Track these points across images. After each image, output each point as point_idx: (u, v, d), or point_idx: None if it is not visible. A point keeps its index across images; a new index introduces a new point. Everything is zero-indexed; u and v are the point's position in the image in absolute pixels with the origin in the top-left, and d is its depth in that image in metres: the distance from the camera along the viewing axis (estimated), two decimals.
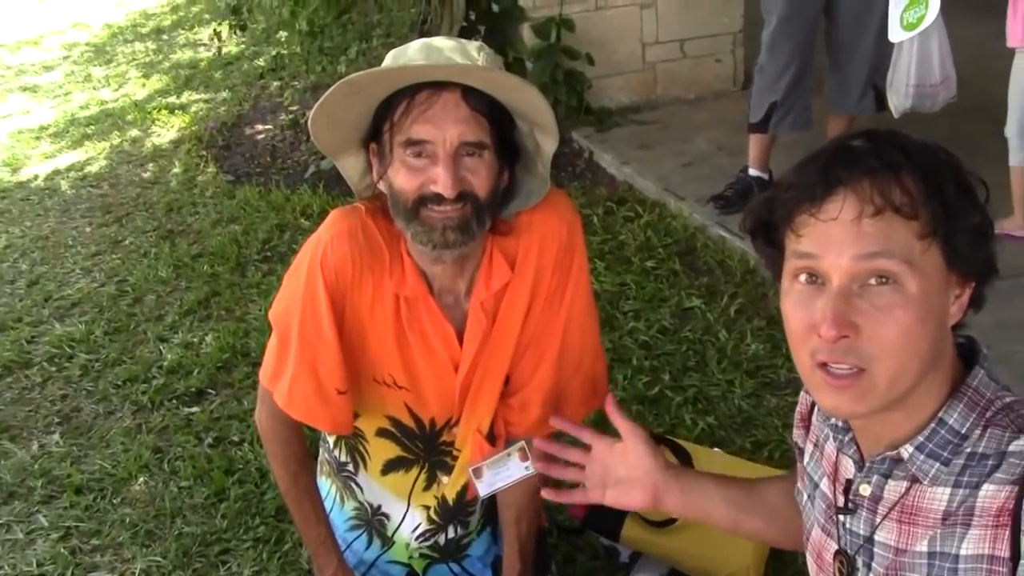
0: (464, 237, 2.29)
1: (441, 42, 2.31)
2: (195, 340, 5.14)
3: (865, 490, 1.72)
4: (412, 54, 2.29)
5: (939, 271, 1.55)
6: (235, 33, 8.79)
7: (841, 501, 1.79)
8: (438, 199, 2.22)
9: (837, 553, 1.81)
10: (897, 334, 1.51)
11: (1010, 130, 5.14)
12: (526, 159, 2.43)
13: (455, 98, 2.20)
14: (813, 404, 1.98)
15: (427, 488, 2.82)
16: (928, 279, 1.53)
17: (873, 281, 1.52)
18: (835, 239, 1.53)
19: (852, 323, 1.51)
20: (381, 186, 2.36)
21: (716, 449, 3.83)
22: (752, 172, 5.89)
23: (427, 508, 2.86)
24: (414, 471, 2.79)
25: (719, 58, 7.87)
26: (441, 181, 2.20)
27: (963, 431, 1.59)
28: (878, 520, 1.70)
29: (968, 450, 1.59)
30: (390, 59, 2.34)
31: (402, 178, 2.25)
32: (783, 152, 5.71)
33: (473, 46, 2.30)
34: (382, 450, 2.76)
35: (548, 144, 2.38)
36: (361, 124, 2.35)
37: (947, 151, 1.59)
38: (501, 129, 2.29)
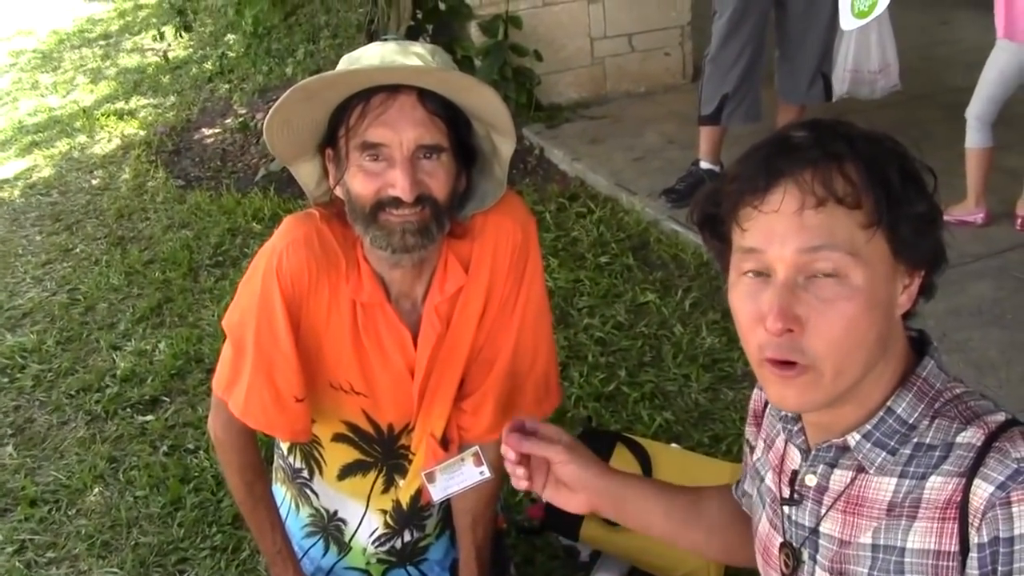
0: (424, 240, 2.28)
1: (394, 46, 2.29)
2: (148, 347, 5.10)
3: (811, 480, 1.72)
4: (365, 59, 2.27)
5: (885, 261, 1.55)
6: (180, 35, 8.72)
7: (786, 493, 1.79)
8: (396, 203, 2.21)
9: (782, 546, 1.81)
10: (842, 327, 1.51)
11: (970, 112, 5.18)
12: (482, 161, 2.43)
13: (411, 101, 2.19)
14: (767, 401, 1.98)
15: (385, 491, 2.80)
16: (873, 269, 1.52)
17: (818, 273, 1.51)
18: (778, 232, 1.53)
19: (797, 316, 1.51)
20: (338, 191, 2.34)
21: (674, 444, 3.82)
22: (703, 165, 5.91)
23: (384, 512, 2.84)
24: (372, 474, 2.77)
25: (668, 51, 7.89)
26: (399, 184, 2.19)
27: (911, 421, 1.60)
28: (823, 511, 1.70)
29: (915, 440, 1.59)
30: (343, 64, 2.32)
31: (359, 183, 2.24)
32: (733, 144, 5.72)
33: (426, 48, 2.29)
34: (339, 455, 2.75)
35: (505, 146, 2.38)
36: (316, 130, 2.33)
37: (892, 139, 1.59)
38: (458, 131, 2.28)
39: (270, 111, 2.22)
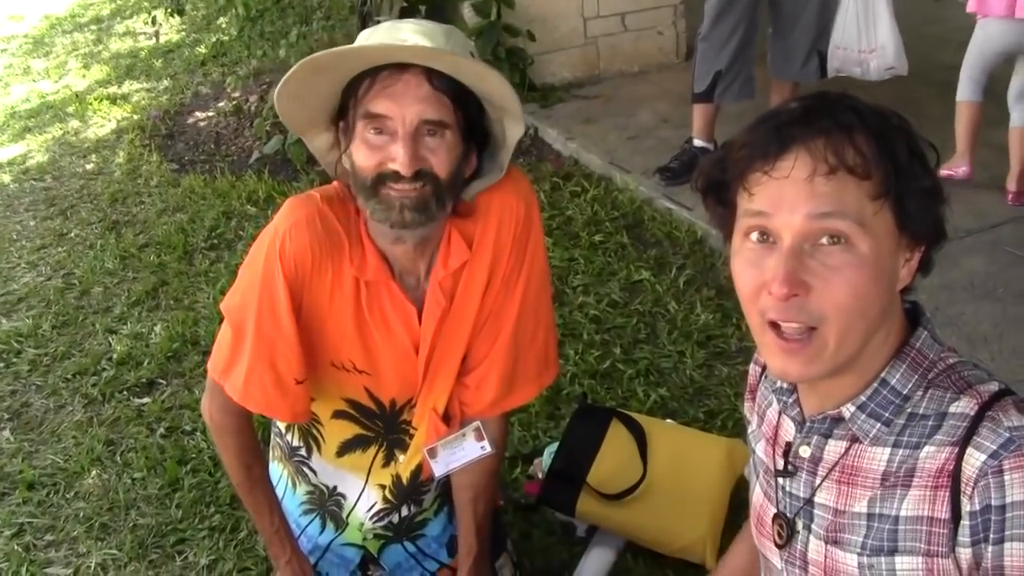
0: (422, 217, 2.28)
1: (409, 24, 2.30)
2: (144, 331, 5.10)
3: (805, 451, 1.73)
4: (378, 36, 2.29)
5: (890, 233, 1.56)
6: (171, 16, 8.69)
7: (780, 464, 1.79)
8: (396, 177, 2.22)
9: (776, 516, 1.82)
10: (847, 294, 1.52)
11: (963, 72, 5.23)
12: (493, 145, 2.44)
13: (418, 78, 2.20)
14: (761, 374, 1.99)
15: (385, 466, 2.81)
16: (879, 241, 1.54)
17: (825, 241, 1.52)
18: (788, 197, 1.53)
19: (803, 282, 1.52)
20: (344, 162, 2.35)
21: (669, 421, 3.84)
22: (697, 143, 5.91)
23: (383, 487, 2.85)
24: (372, 449, 2.78)
25: (661, 30, 7.88)
26: (399, 158, 2.20)
27: (905, 392, 1.61)
28: (818, 482, 1.71)
29: (909, 410, 1.60)
30: (360, 40, 2.34)
31: (362, 155, 2.26)
32: (727, 123, 5.73)
33: (442, 29, 2.30)
34: (338, 431, 2.76)
35: (514, 130, 2.40)
36: (329, 102, 2.35)
37: (898, 115, 1.61)
38: (467, 112, 2.29)
39: (280, 83, 2.24)
